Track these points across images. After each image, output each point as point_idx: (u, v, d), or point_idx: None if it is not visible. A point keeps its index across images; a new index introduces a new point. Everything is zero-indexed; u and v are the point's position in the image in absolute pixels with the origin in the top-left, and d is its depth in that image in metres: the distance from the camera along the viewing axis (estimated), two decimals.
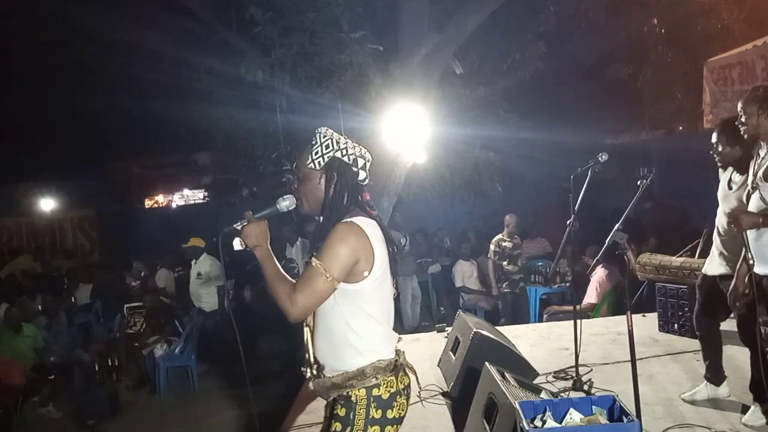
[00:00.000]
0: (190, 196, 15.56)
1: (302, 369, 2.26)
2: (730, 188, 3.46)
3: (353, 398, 2.10)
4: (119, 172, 14.96)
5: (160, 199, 15.80)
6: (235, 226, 2.20)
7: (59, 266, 11.07)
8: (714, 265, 3.59)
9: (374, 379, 2.10)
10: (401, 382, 2.16)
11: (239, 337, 2.36)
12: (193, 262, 7.83)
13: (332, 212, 2.18)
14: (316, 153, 2.21)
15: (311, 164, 2.21)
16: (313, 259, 2.07)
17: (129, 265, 10.05)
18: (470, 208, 10.63)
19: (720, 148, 3.47)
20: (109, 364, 7.33)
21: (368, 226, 2.15)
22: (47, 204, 13.47)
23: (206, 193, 14.71)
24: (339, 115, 6.30)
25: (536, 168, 9.13)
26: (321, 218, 2.24)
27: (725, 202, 3.49)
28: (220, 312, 7.62)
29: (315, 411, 3.78)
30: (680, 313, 5.06)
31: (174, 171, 15.15)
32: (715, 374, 3.74)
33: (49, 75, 8.59)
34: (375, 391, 2.10)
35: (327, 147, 2.21)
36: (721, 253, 3.53)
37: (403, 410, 2.17)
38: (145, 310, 7.51)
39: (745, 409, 3.50)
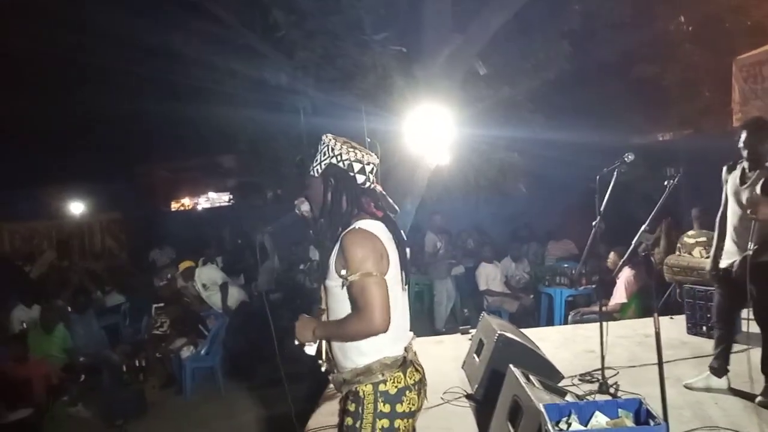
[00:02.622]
0: (215, 198, 15.71)
1: (319, 361, 2.36)
2: (744, 183, 3.66)
3: (361, 394, 2.21)
4: (145, 175, 15.14)
5: (186, 201, 15.98)
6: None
7: (88, 268, 11.25)
8: (728, 256, 3.79)
9: (380, 375, 2.19)
10: (410, 378, 2.24)
11: (275, 335, 2.69)
12: (195, 282, 7.97)
13: (332, 217, 2.27)
14: (316, 161, 2.33)
15: (312, 172, 2.34)
16: (349, 278, 2.14)
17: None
18: (494, 210, 10.57)
19: (750, 145, 3.64)
20: (137, 364, 7.44)
21: (374, 227, 2.23)
22: (76, 207, 13.68)
23: (231, 196, 14.84)
24: (362, 117, 6.31)
25: (561, 168, 9.03)
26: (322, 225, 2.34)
27: (736, 197, 3.71)
28: (244, 312, 7.72)
29: (334, 414, 3.79)
30: (709, 315, 4.96)
31: (199, 174, 15.29)
32: (720, 365, 3.91)
33: (76, 79, 8.74)
34: (381, 387, 2.19)
35: (324, 155, 2.31)
36: (734, 243, 3.74)
37: (414, 405, 2.24)
38: (170, 318, 7.61)
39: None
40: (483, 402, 3.90)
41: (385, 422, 2.18)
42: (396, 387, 2.20)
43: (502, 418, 3.24)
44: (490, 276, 8.39)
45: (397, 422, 2.19)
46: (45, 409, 6.16)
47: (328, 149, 2.31)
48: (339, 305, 2.24)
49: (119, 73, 7.93)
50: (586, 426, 2.57)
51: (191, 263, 8.06)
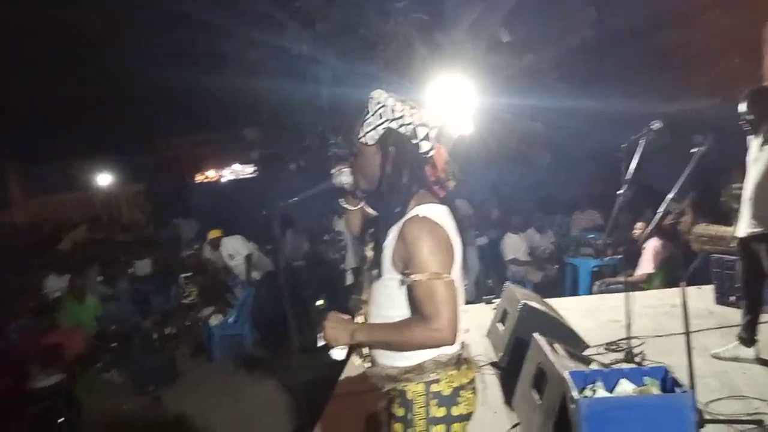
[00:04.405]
0: (239, 170, 15.81)
1: (355, 356, 2.07)
2: (759, 150, 3.63)
3: (409, 395, 1.89)
4: (170, 147, 15.28)
5: (211, 173, 16.11)
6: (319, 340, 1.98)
7: (117, 239, 11.48)
8: (743, 225, 3.76)
9: (433, 374, 1.88)
10: (464, 377, 1.93)
11: (290, 308, 2.28)
12: (221, 251, 8.11)
13: (391, 194, 1.90)
14: (369, 125, 1.90)
15: (364, 138, 1.92)
16: (413, 277, 1.80)
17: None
18: (517, 180, 10.50)
19: (749, 116, 3.65)
20: (167, 332, 7.62)
21: (439, 215, 1.87)
22: (103, 179, 13.91)
23: (255, 168, 14.92)
24: (383, 86, 6.27)
25: (586, 137, 8.91)
26: (378, 202, 2.00)
27: (755, 165, 3.65)
28: (270, 282, 7.84)
29: (364, 380, 3.86)
30: (737, 285, 4.91)
31: (223, 146, 15.38)
32: (749, 335, 3.89)
33: (100, 52, 8.79)
34: (434, 387, 1.88)
35: (381, 117, 1.89)
36: (751, 214, 3.70)
37: (471, 406, 1.94)
38: (198, 287, 7.76)
39: None
40: (507, 370, 3.94)
41: (440, 428, 1.87)
42: (450, 387, 1.88)
43: (527, 386, 3.27)
44: (515, 246, 8.36)
45: (455, 427, 1.88)
46: (78, 374, 6.36)
47: (387, 111, 1.89)
48: (389, 300, 1.92)
49: (142, 45, 7.96)
50: (611, 393, 2.59)
51: (219, 233, 8.19)
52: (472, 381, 1.98)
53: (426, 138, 1.92)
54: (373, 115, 1.91)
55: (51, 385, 5.52)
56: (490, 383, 3.95)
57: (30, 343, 6.43)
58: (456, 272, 1.89)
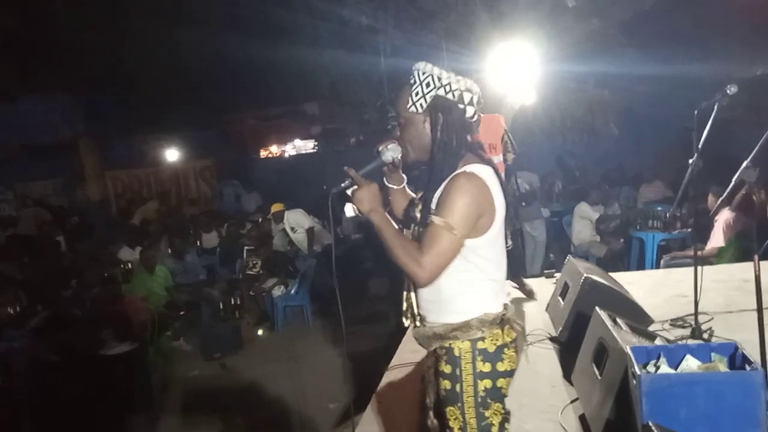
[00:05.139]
0: (301, 146, 16.00)
1: (402, 318, 2.18)
2: None
3: (456, 352, 2.00)
4: (235, 123, 15.60)
5: (274, 149, 16.38)
6: (342, 185, 2.04)
7: (187, 213, 11.87)
8: None
9: (479, 332, 1.98)
10: (507, 336, 2.04)
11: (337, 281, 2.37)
12: (284, 224, 8.26)
13: (443, 157, 2.00)
14: (417, 94, 2.00)
15: (412, 107, 2.02)
16: (433, 217, 1.92)
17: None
18: (581, 151, 10.19)
19: None
20: (232, 302, 7.88)
21: (487, 175, 1.97)
22: (171, 154, 14.36)
23: (316, 143, 15.07)
24: (443, 56, 6.17)
25: (655, 106, 8.52)
26: (429, 166, 2.06)
27: None
28: (330, 254, 7.97)
29: (421, 350, 3.87)
30: None
31: (285, 122, 15.58)
32: None
33: (168, 30, 8.99)
34: (480, 344, 1.99)
35: (428, 85, 1.99)
36: None
37: (513, 363, 2.05)
38: (261, 259, 7.97)
39: None
40: (567, 344, 3.86)
41: (487, 383, 1.99)
42: (494, 344, 2.00)
43: (587, 360, 3.20)
44: (590, 216, 8.15)
45: (500, 381, 2.01)
46: (149, 342, 6.66)
47: (432, 79, 1.99)
48: None
49: (209, 20, 8.11)
50: (675, 370, 2.50)
51: (281, 206, 8.38)
52: (515, 340, 2.08)
53: (471, 103, 2.02)
54: (420, 84, 2.02)
55: (123, 352, 5.78)
56: (548, 357, 3.89)
57: (103, 311, 6.76)
58: (493, 231, 1.98)
